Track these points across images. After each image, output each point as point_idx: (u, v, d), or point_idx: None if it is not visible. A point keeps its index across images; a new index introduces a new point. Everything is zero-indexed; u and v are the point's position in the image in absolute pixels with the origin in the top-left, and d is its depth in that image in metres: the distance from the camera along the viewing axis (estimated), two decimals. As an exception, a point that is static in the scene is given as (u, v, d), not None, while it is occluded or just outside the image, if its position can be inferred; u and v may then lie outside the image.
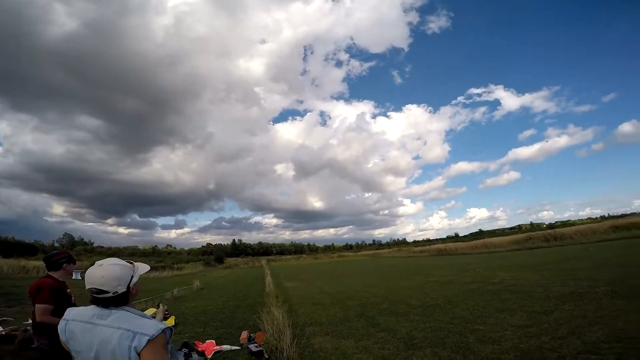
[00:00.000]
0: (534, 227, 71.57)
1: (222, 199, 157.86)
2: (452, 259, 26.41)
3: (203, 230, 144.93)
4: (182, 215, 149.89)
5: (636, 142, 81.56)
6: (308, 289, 13.97)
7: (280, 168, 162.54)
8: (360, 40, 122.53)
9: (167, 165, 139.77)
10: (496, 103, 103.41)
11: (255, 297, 9.47)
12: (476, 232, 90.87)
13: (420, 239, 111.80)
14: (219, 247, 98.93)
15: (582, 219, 64.15)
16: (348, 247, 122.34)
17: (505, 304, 6.37)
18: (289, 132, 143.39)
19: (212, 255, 65.81)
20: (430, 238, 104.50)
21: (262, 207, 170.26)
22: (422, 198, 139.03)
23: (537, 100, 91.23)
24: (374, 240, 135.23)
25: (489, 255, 24.79)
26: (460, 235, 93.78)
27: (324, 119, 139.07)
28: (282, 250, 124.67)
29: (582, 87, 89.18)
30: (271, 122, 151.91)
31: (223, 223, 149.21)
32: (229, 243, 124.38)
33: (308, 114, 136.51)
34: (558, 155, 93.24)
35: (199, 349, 5.23)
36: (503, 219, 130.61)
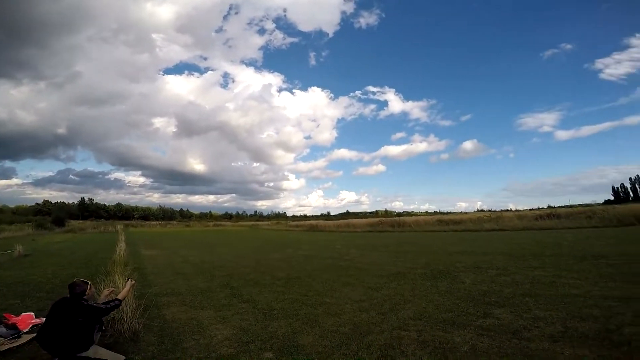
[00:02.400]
0: (387, 213, 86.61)
1: (74, 146, 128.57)
2: (320, 235, 29.34)
3: (40, 183, 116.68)
4: (11, 161, 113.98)
5: (472, 158, 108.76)
6: (170, 258, 13.10)
7: (159, 122, 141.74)
8: (292, 14, 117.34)
9: (2, 102, 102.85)
10: (384, 103, 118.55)
11: (98, 267, 8.22)
12: (344, 213, 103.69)
13: (299, 214, 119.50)
14: (60, 206, 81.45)
15: (420, 212, 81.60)
16: (227, 217, 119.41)
17: (350, 279, 7.54)
18: (180, 87, 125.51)
19: (50, 216, 52.88)
20: (307, 214, 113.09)
21: (126, 162, 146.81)
22: (305, 175, 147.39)
23: (415, 109, 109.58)
24: (255, 212, 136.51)
25: (349, 234, 28.68)
26: (332, 214, 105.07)
27: (226, 81, 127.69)
28: (146, 214, 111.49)
29: (450, 106, 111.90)
30: (162, 72, 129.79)
31: (71, 177, 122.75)
32: (76, 202, 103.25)
33: (209, 72, 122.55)
34: (416, 157, 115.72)
35: (10, 322, 4.42)
36: (366, 203, 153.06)
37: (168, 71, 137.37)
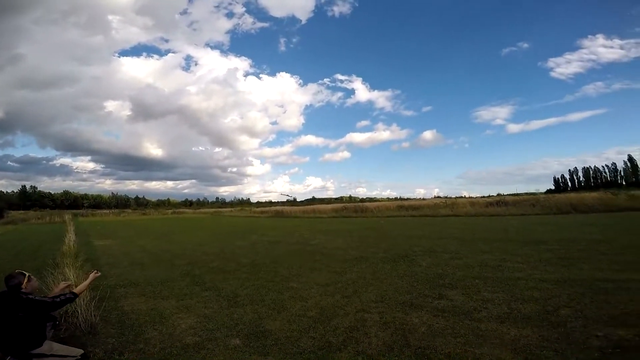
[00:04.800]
0: (351, 199, 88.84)
1: (12, 131, 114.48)
2: (286, 221, 29.34)
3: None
4: None
5: (430, 147, 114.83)
6: (126, 247, 12.40)
7: (112, 105, 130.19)
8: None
9: None
10: (352, 92, 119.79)
11: (46, 259, 7.57)
12: (310, 199, 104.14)
13: (263, 200, 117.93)
14: (-4, 195, 72.71)
15: (382, 198, 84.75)
16: (187, 203, 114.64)
17: (316, 264, 7.71)
18: (137, 69, 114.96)
19: (-15, 207, 47.12)
20: (273, 200, 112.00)
21: (74, 147, 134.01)
22: (271, 161, 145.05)
23: (380, 98, 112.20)
24: (217, 198, 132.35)
25: (315, 219, 29.03)
26: (298, 200, 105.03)
27: (188, 64, 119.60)
28: (97, 203, 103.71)
29: (413, 96, 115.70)
30: (117, 55, 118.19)
31: (9, 163, 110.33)
32: (16, 191, 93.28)
33: (170, 54, 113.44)
34: (379, 145, 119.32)
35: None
36: (332, 189, 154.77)
37: (124, 53, 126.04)
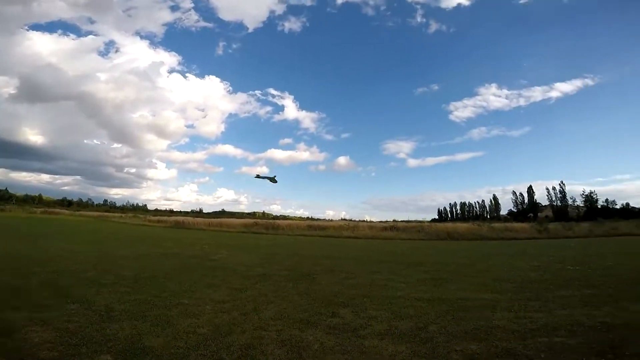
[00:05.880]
0: (265, 215, 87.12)
1: None
2: (187, 232, 26.94)
3: None
4: None
5: (343, 172, 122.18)
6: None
7: None
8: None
9: None
10: (281, 108, 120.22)
11: None
12: (219, 211, 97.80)
13: (163, 208, 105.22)
14: None
15: (295, 216, 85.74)
16: (65, 203, 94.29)
17: (215, 279, 7.29)
18: (43, 46, 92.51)
19: None
20: (174, 209, 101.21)
21: None
22: (179, 166, 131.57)
23: (307, 119, 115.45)
24: (106, 201, 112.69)
25: (221, 233, 27.47)
26: (205, 211, 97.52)
27: (108, 49, 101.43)
28: None
29: (335, 121, 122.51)
30: (27, 27, 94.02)
31: None
32: None
33: (91, 36, 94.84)
34: (299, 164, 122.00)
35: None
36: (245, 203, 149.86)
37: (37, 27, 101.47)
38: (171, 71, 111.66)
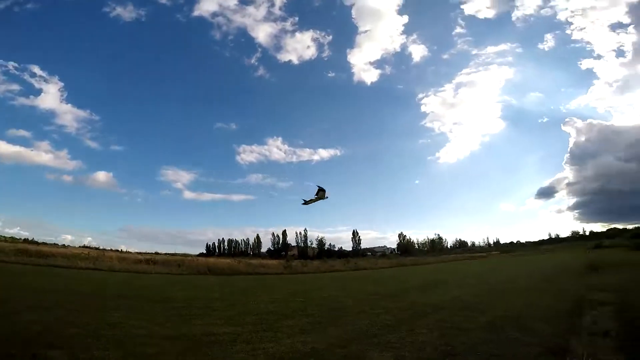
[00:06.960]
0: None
1: None
2: None
3: None
4: None
5: (99, 189, 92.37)
6: None
7: None
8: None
9: None
10: (37, 92, 78.76)
11: None
12: None
13: None
14: None
15: (4, 236, 56.40)
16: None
17: None
18: None
19: None
20: None
21: None
22: None
23: (69, 115, 75.63)
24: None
25: None
26: None
27: None
28: None
29: (110, 129, 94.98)
30: None
31: None
32: None
33: None
34: (28, 167, 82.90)
35: None
36: None
37: None
38: None
